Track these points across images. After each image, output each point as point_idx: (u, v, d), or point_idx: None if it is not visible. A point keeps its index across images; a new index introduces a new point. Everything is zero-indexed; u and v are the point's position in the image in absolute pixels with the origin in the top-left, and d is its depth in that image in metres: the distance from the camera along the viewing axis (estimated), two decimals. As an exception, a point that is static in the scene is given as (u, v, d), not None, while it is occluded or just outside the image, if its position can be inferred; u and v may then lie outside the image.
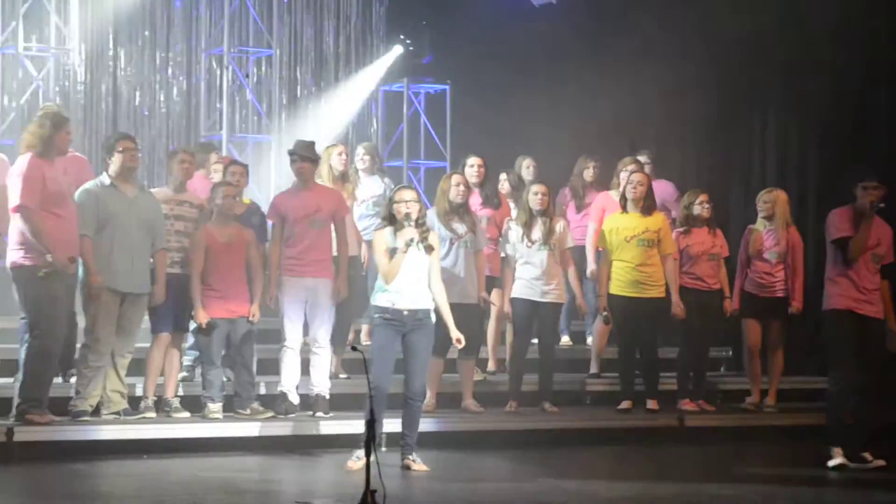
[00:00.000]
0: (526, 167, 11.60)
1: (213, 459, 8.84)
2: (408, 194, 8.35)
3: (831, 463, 8.82)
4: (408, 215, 8.25)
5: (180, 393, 9.55)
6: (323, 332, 9.54)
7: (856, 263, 8.81)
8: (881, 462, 8.86)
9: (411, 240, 8.23)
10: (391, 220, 8.36)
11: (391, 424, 8.51)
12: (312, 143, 9.88)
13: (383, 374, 8.27)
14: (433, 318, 8.45)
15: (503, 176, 11.19)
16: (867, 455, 8.87)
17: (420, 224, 8.33)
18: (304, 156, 9.59)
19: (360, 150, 11.18)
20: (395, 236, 8.29)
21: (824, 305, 8.92)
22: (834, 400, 8.91)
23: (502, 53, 14.06)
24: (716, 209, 10.96)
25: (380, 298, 8.33)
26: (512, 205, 10.93)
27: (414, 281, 8.31)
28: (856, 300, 8.82)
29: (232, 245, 9.36)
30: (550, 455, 9.57)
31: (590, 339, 11.74)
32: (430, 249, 8.35)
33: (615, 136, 13.11)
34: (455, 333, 8.47)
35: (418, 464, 8.32)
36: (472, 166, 10.65)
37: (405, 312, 8.28)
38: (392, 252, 8.25)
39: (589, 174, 11.72)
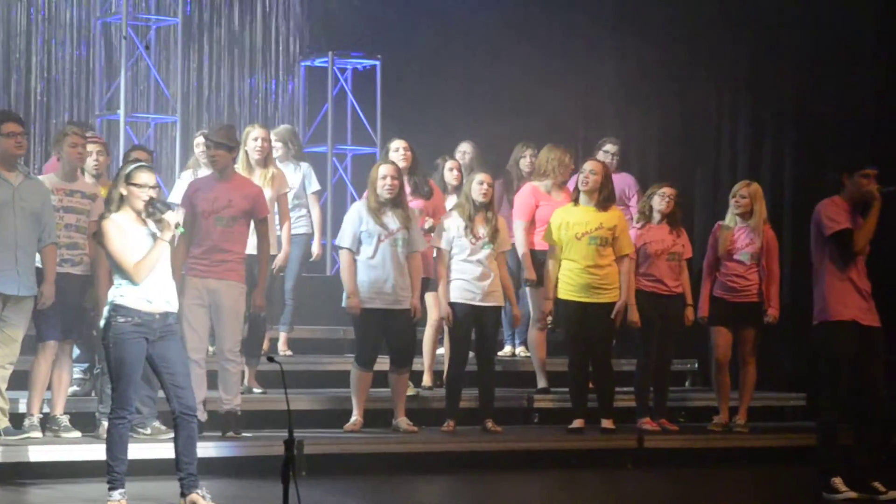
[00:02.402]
0: (459, 152, 11.56)
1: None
2: (147, 177, 7.78)
3: (839, 497, 8.72)
4: (151, 201, 7.73)
5: (70, 410, 9.43)
6: (231, 341, 9.48)
7: (854, 263, 8.73)
8: (895, 493, 8.79)
9: (178, 225, 7.73)
10: (120, 202, 7.77)
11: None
12: (231, 128, 9.81)
13: (135, 394, 7.93)
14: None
15: (450, 164, 11.17)
16: (878, 485, 8.80)
17: (164, 208, 7.79)
18: (218, 142, 9.51)
19: (270, 137, 11.04)
20: (136, 222, 7.76)
21: (820, 316, 8.80)
22: (829, 425, 8.81)
23: (440, 24, 14.06)
24: (681, 207, 10.99)
25: (129, 297, 7.71)
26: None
27: (166, 276, 7.85)
28: (860, 308, 8.76)
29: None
30: (492, 480, 9.60)
31: (519, 350, 11.80)
32: (173, 240, 7.90)
33: (568, 121, 13.14)
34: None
35: (207, 501, 7.87)
36: (396, 150, 10.62)
37: (157, 316, 7.77)
38: (150, 238, 7.74)
39: (525, 163, 11.71)
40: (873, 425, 8.85)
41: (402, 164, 10.47)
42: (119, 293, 7.74)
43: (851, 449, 8.86)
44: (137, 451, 8.84)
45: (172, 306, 7.87)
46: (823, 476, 8.82)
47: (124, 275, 7.71)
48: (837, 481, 8.76)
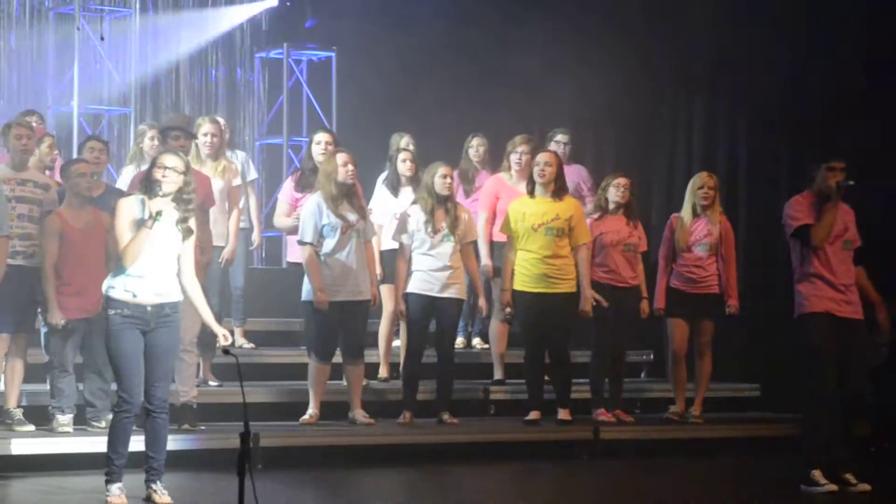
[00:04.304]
0: (403, 146, 11.56)
1: (63, 479, 8.71)
2: (170, 160, 7.76)
3: (819, 489, 8.70)
4: (153, 181, 7.70)
5: (24, 403, 9.39)
6: (189, 334, 9.44)
7: (825, 256, 8.72)
8: (866, 486, 8.80)
9: (158, 213, 7.64)
10: (147, 187, 7.77)
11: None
12: (189, 118, 9.79)
13: (139, 385, 7.73)
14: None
15: (403, 155, 11.14)
16: (850, 476, 8.82)
17: (186, 200, 7.78)
18: (189, 132, 9.47)
19: (221, 129, 10.85)
20: (145, 207, 7.72)
21: (797, 310, 8.82)
22: (815, 418, 8.79)
23: (395, 15, 14.03)
24: (637, 200, 10.99)
25: (117, 288, 7.66)
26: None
27: (161, 266, 7.73)
28: (834, 300, 8.74)
29: (89, 232, 9.20)
30: (448, 471, 9.60)
31: (475, 341, 11.82)
32: (188, 233, 7.81)
33: (524, 112, 13.13)
34: (219, 330, 7.92)
35: (161, 495, 7.80)
36: (318, 143, 10.60)
37: (148, 308, 7.66)
38: (137, 225, 7.69)
39: (473, 153, 11.71)
40: (851, 417, 8.88)
41: (320, 159, 10.42)
42: (109, 285, 7.70)
43: (828, 440, 8.85)
44: (91, 444, 8.83)
45: (167, 297, 7.76)
46: (804, 468, 8.80)
47: (118, 258, 7.67)
48: (817, 474, 8.75)
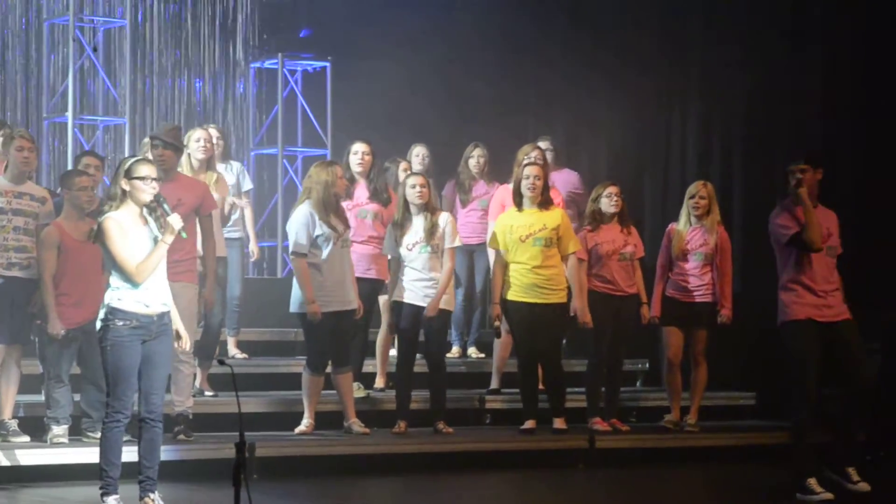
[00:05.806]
0: (416, 156, 11.63)
1: (59, 489, 8.73)
2: (149, 169, 7.65)
3: (815, 498, 8.69)
4: (158, 196, 7.62)
5: (20, 414, 9.41)
6: (185, 343, 9.45)
7: (808, 262, 8.73)
8: (866, 486, 8.84)
9: (182, 228, 7.68)
10: (122, 199, 7.62)
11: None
12: (178, 129, 9.80)
13: (133, 395, 7.72)
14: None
15: (404, 165, 11.18)
16: (852, 471, 8.86)
17: (170, 209, 7.73)
18: (168, 142, 9.48)
19: (212, 139, 10.74)
20: (138, 221, 7.64)
21: (780, 318, 8.86)
22: (799, 425, 8.80)
23: (390, 26, 14.06)
24: (630, 205, 11.04)
25: (127, 300, 7.60)
26: None
27: (162, 277, 7.76)
28: (815, 306, 8.76)
29: (88, 243, 9.16)
30: (443, 481, 9.62)
31: (470, 350, 11.89)
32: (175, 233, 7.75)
33: (519, 123, 13.16)
34: (184, 333, 7.92)
35: None
36: (356, 153, 10.66)
37: (154, 318, 7.67)
38: (152, 240, 7.62)
39: (473, 163, 11.75)
40: (859, 413, 8.92)
41: (357, 169, 10.52)
42: (116, 297, 7.62)
43: (834, 436, 8.91)
44: (87, 454, 8.83)
45: (168, 306, 7.78)
46: (797, 477, 8.81)
47: (124, 276, 7.60)
48: (812, 482, 8.74)
